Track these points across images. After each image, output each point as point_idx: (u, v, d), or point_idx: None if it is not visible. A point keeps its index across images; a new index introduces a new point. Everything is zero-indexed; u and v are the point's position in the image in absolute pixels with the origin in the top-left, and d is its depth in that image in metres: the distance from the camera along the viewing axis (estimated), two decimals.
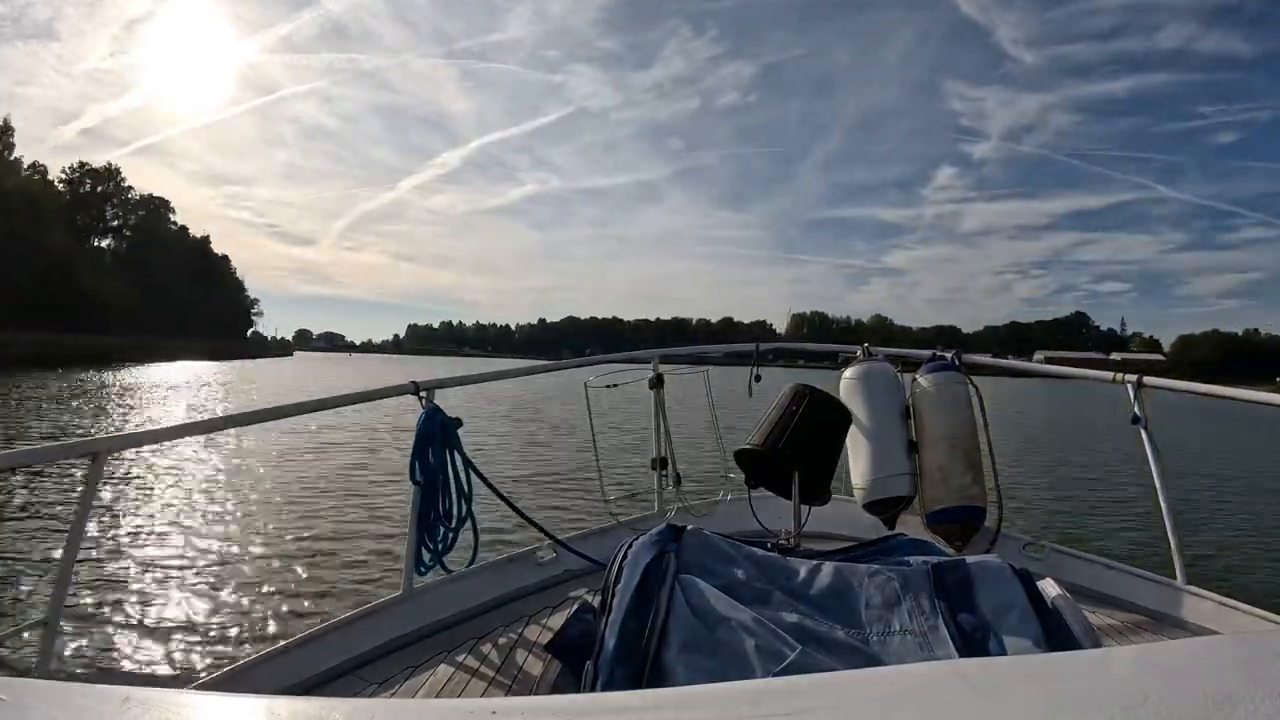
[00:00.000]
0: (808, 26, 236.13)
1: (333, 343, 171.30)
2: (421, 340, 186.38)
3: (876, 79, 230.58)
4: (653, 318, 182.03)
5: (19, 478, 8.19)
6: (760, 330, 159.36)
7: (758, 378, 3.19)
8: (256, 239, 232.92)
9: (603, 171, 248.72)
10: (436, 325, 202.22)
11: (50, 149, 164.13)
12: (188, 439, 10.58)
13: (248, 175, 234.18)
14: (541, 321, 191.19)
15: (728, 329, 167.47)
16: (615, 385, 3.25)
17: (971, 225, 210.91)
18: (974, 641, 1.37)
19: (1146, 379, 2.50)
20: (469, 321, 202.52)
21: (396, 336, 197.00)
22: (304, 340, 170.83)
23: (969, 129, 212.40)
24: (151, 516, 7.52)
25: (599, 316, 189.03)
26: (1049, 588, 1.48)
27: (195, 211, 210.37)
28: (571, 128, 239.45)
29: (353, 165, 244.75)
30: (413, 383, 2.22)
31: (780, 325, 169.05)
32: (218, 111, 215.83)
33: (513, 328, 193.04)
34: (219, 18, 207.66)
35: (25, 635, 1.53)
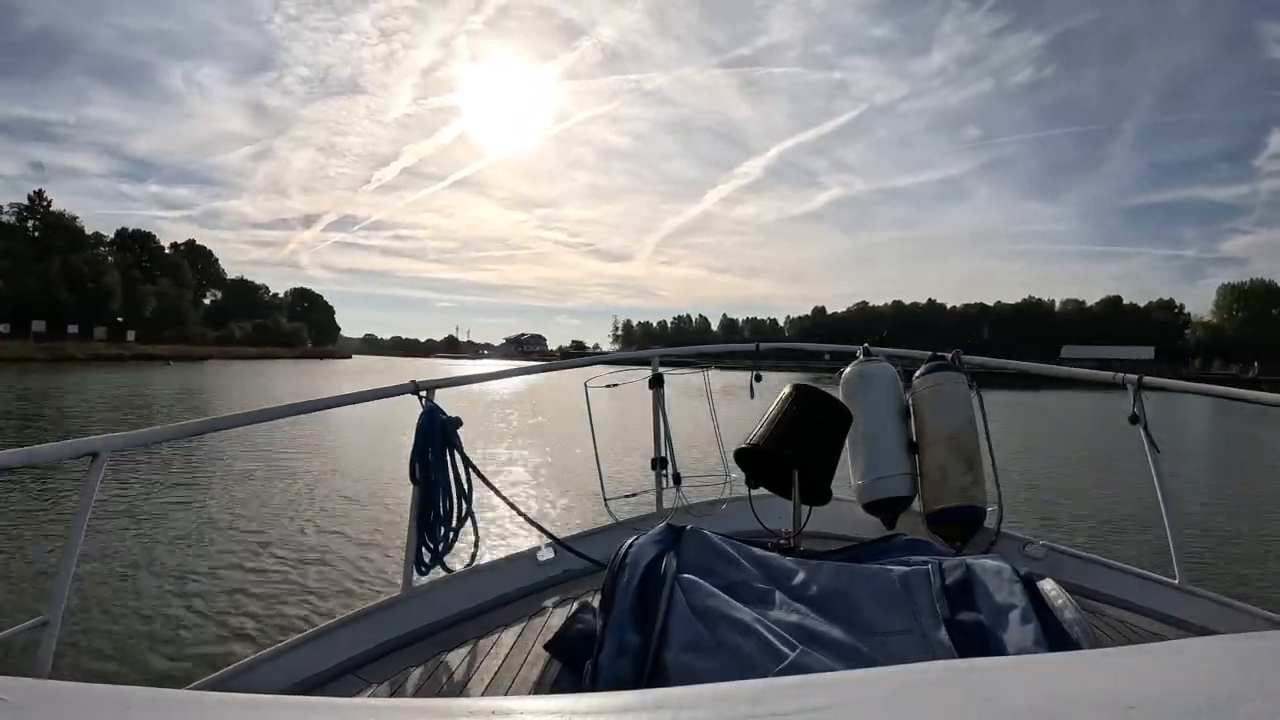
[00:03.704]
0: None
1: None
2: (627, 344, 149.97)
3: (1177, 35, 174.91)
4: (991, 301, 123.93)
5: (19, 478, 8.20)
6: (1166, 314, 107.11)
7: (758, 378, 3.19)
8: (574, 257, 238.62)
9: (901, 169, 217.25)
10: (668, 324, 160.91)
11: (375, 188, 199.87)
12: (188, 439, 10.60)
13: (555, 198, 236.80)
14: (819, 311, 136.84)
15: (1113, 313, 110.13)
16: (615, 385, 3.24)
17: None
18: (974, 641, 1.37)
19: (1146, 379, 2.50)
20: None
21: (507, 339, 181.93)
22: (433, 345, 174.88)
23: None
24: (152, 516, 7.53)
25: (905, 302, 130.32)
26: (1049, 588, 1.47)
27: (512, 234, 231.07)
28: (862, 126, 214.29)
29: (652, 181, 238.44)
30: (412, 382, 2.23)
31: (1195, 305, 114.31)
32: (519, 141, 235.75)
33: (781, 323, 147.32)
34: (503, 57, 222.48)
35: (25, 635, 1.52)
